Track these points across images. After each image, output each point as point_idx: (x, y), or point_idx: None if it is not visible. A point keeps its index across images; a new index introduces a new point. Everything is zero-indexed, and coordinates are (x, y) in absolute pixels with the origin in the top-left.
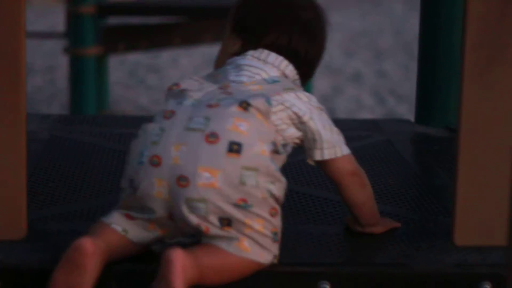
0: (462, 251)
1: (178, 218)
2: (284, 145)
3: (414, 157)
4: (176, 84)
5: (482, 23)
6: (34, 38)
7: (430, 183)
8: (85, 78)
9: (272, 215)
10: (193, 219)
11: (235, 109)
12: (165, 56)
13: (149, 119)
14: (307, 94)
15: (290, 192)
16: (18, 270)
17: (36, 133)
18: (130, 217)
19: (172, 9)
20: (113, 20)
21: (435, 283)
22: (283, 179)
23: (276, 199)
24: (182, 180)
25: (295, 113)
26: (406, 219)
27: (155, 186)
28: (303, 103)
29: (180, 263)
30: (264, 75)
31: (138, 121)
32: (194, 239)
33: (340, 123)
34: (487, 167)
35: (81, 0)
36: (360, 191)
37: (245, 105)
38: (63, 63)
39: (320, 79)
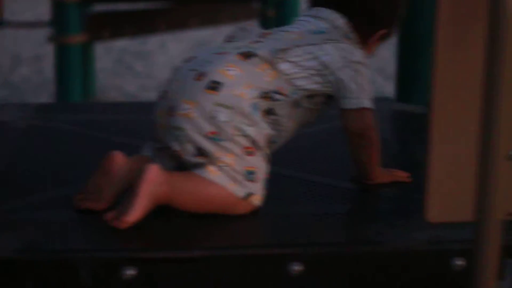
0: (435, 228)
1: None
2: (311, 97)
3: (393, 134)
4: (228, 36)
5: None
6: (20, 28)
7: (407, 160)
8: (71, 66)
9: (247, 153)
10: (176, 145)
11: (234, 57)
12: (153, 42)
13: (135, 104)
14: (351, 48)
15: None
16: None
17: (13, 122)
18: (157, 149)
19: None
20: (99, 7)
21: (407, 261)
22: (263, 125)
23: (252, 141)
24: (170, 110)
25: (323, 63)
26: (382, 197)
27: (160, 116)
28: (339, 54)
29: (151, 176)
30: (312, 27)
31: (117, 108)
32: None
33: None
34: (458, 144)
35: None
36: (363, 152)
37: (248, 54)
38: (50, 52)
39: None
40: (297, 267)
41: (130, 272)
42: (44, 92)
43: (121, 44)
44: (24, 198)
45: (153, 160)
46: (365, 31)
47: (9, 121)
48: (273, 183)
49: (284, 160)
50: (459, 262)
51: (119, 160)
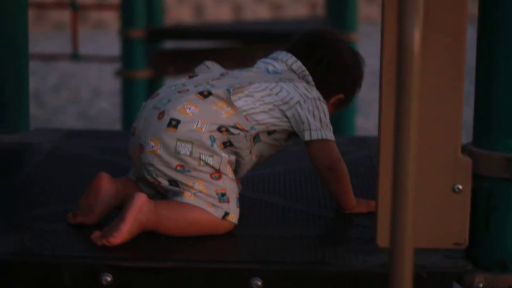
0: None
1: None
2: (271, 132)
3: None
4: (193, 71)
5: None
6: (92, 61)
7: None
8: (136, 100)
9: (215, 178)
10: (150, 178)
11: (193, 96)
12: None
13: None
14: (308, 87)
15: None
16: None
17: (39, 145)
18: (138, 179)
19: (223, 34)
20: (170, 44)
21: (358, 282)
22: (222, 154)
23: (216, 168)
24: (140, 147)
25: (280, 98)
26: (351, 225)
27: (133, 152)
28: (297, 92)
29: (139, 204)
30: (270, 67)
31: None
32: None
33: None
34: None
35: (133, 24)
36: (335, 184)
37: (206, 93)
38: None
39: None
40: (258, 282)
41: (106, 278)
42: (120, 125)
43: None
44: (30, 211)
45: (137, 182)
46: (321, 81)
47: (35, 143)
48: (254, 208)
49: (271, 188)
50: None
51: (106, 180)
